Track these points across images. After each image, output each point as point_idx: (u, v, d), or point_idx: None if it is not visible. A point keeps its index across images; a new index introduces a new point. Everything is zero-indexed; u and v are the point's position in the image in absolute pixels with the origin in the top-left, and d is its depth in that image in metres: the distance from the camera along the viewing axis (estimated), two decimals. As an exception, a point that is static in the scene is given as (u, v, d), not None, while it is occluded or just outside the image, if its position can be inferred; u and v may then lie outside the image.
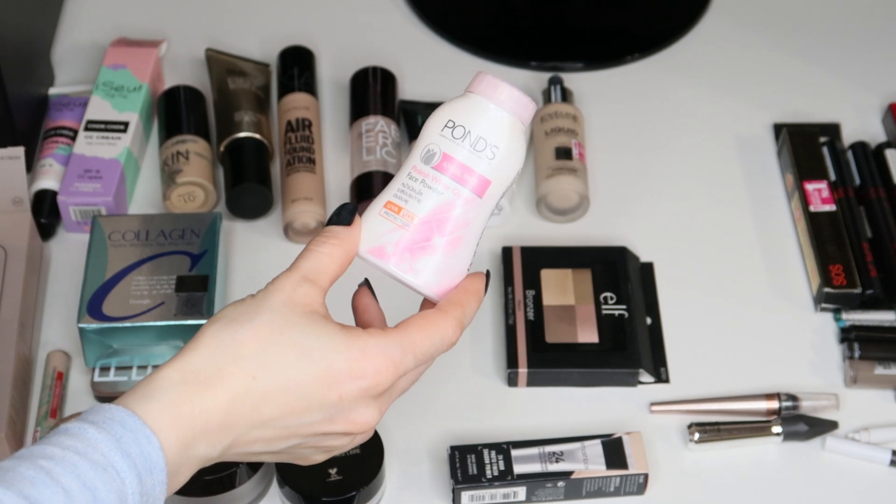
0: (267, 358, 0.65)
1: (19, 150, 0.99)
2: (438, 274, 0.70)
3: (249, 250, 1.03)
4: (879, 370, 0.94)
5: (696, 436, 0.90)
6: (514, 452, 0.88)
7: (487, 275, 0.73)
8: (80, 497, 0.59)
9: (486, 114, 0.70)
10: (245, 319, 0.66)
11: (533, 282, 0.98)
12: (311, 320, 0.67)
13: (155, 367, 0.92)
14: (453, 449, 0.88)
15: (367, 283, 0.73)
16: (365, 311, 0.72)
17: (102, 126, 1.06)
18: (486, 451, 0.88)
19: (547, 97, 1.10)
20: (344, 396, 0.67)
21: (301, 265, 0.69)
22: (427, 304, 0.72)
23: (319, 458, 0.71)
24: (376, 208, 0.71)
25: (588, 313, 0.97)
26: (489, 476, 0.87)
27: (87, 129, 1.06)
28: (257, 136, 1.06)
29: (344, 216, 0.70)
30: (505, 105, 0.70)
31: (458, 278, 0.71)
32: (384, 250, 0.70)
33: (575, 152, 1.05)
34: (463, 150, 0.70)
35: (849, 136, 1.11)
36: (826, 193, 1.03)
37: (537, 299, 0.98)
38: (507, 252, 1.01)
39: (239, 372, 0.65)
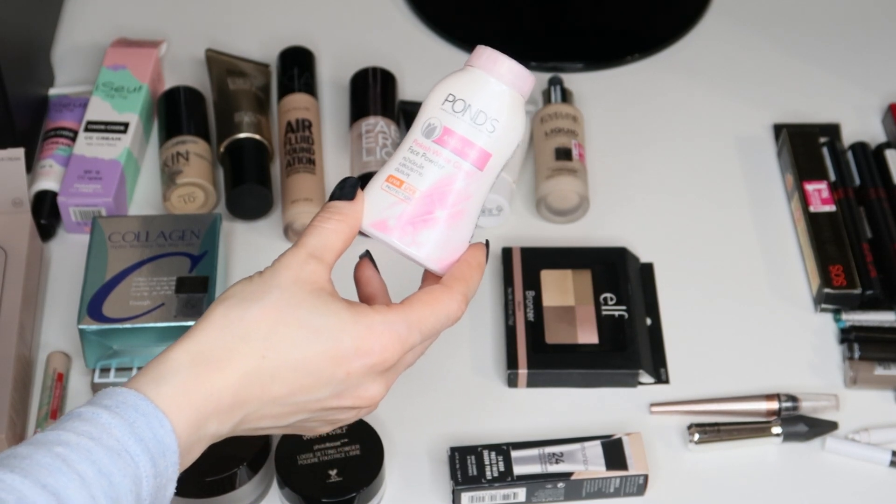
0: (276, 337, 0.66)
1: (19, 152, 0.99)
2: (440, 247, 0.71)
3: (249, 251, 1.03)
4: (879, 371, 0.94)
5: (696, 436, 0.90)
6: (514, 453, 0.88)
7: (487, 245, 0.73)
8: (96, 483, 0.60)
9: (486, 87, 0.71)
10: (254, 298, 0.67)
11: (533, 282, 0.99)
12: (318, 298, 0.67)
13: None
14: (453, 450, 0.88)
15: (368, 254, 0.74)
16: (367, 283, 0.73)
17: (102, 127, 1.06)
18: (486, 452, 0.88)
19: (547, 97, 1.10)
20: (351, 373, 0.67)
21: (307, 242, 0.69)
22: (429, 276, 0.73)
23: (325, 429, 0.72)
24: (378, 182, 0.72)
25: (588, 314, 0.97)
26: (489, 477, 0.87)
27: (87, 129, 1.06)
28: (257, 136, 1.06)
29: (347, 191, 0.71)
30: (505, 78, 0.71)
31: (459, 251, 0.72)
32: (387, 224, 0.71)
33: (575, 153, 1.05)
34: (463, 124, 0.70)
35: (849, 137, 1.11)
36: (826, 194, 1.03)
37: (537, 300, 0.98)
38: (506, 253, 1.01)
39: (248, 351, 0.66)
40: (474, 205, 0.72)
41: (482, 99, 0.71)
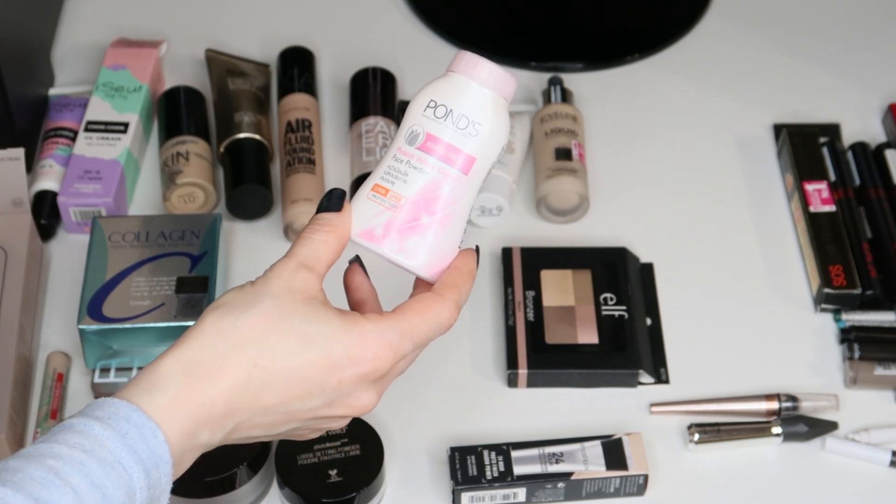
0: (268, 346, 0.66)
1: (19, 152, 0.99)
2: (430, 253, 0.71)
3: (249, 251, 1.03)
4: (879, 371, 0.94)
5: (696, 436, 0.90)
6: (514, 453, 0.88)
7: (477, 250, 0.73)
8: (89, 496, 0.60)
9: (467, 92, 0.71)
10: (246, 307, 0.67)
11: (533, 282, 0.99)
12: (310, 307, 0.67)
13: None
14: (453, 450, 0.88)
15: (358, 260, 0.74)
16: (357, 289, 0.73)
17: (102, 127, 1.06)
18: (486, 452, 0.88)
19: (547, 98, 1.10)
20: (343, 382, 0.67)
21: (298, 252, 0.69)
22: (421, 282, 0.73)
23: (315, 436, 0.72)
24: (364, 192, 0.72)
25: (588, 314, 0.97)
26: (489, 477, 0.87)
27: (87, 129, 1.06)
28: (257, 136, 1.06)
29: (334, 202, 0.71)
30: (486, 82, 0.71)
31: (449, 257, 0.72)
32: (374, 233, 0.71)
33: (575, 153, 1.05)
34: (446, 130, 0.70)
35: (849, 137, 1.11)
36: (826, 194, 1.03)
37: (537, 300, 0.98)
38: (507, 253, 1.01)
39: (241, 360, 0.66)
40: (461, 210, 0.72)
41: (464, 104, 0.71)
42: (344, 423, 0.71)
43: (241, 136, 1.06)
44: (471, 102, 0.71)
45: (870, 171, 1.06)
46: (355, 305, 0.73)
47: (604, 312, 0.97)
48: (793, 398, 0.93)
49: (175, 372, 0.65)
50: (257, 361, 0.66)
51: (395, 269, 0.72)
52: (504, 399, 0.94)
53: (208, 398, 0.65)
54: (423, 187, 0.70)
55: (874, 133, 1.12)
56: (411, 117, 0.72)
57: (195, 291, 0.93)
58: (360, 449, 0.86)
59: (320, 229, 0.70)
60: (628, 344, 0.95)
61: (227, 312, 0.67)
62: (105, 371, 0.93)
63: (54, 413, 0.91)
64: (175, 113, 1.08)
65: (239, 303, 0.67)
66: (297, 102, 1.09)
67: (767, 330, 0.99)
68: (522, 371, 0.94)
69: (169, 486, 0.64)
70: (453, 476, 0.87)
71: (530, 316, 0.97)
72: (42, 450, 0.61)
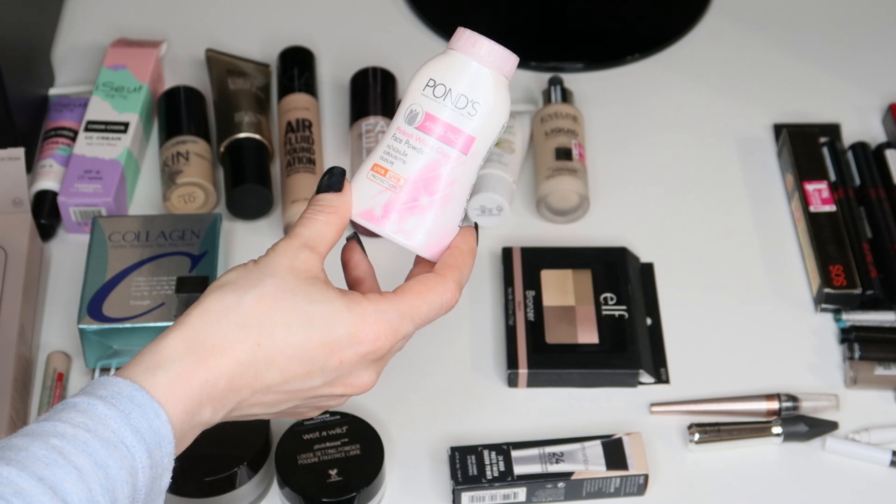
0: (271, 325, 0.66)
1: (19, 151, 0.99)
2: (430, 233, 0.71)
3: (250, 251, 1.03)
4: (879, 371, 0.94)
5: (696, 436, 0.90)
6: (515, 453, 0.88)
7: (476, 228, 0.73)
8: (93, 475, 0.60)
9: (467, 70, 0.70)
10: (249, 286, 0.67)
11: (533, 282, 0.99)
12: (313, 286, 0.68)
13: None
14: (453, 450, 0.88)
15: (356, 237, 0.74)
16: (355, 266, 0.73)
17: (102, 127, 1.06)
18: (486, 452, 0.88)
19: (547, 97, 1.10)
20: (344, 361, 0.68)
21: (300, 232, 0.70)
22: (421, 261, 0.73)
23: (314, 414, 0.73)
24: (364, 171, 0.72)
25: (588, 314, 0.97)
26: (489, 477, 0.87)
27: (87, 129, 1.06)
28: (257, 136, 1.06)
29: (335, 180, 0.71)
30: (485, 60, 0.70)
31: (449, 236, 0.72)
32: (373, 213, 0.71)
33: (575, 153, 1.05)
34: (445, 109, 0.70)
35: (849, 137, 1.11)
36: (826, 194, 1.03)
37: (537, 300, 0.98)
38: (507, 252, 1.01)
39: (244, 339, 0.66)
40: (461, 189, 0.71)
41: (463, 82, 0.70)
42: (343, 401, 0.71)
43: (242, 135, 1.06)
44: (470, 81, 0.70)
45: (870, 171, 1.06)
46: (353, 283, 0.73)
47: (604, 312, 0.97)
48: (793, 398, 0.93)
49: (178, 351, 0.65)
50: (260, 340, 0.66)
51: (393, 247, 0.72)
52: (504, 399, 0.94)
53: (211, 377, 0.65)
54: (423, 167, 0.70)
55: (874, 133, 1.12)
56: (410, 96, 0.71)
57: (195, 291, 0.93)
58: (360, 449, 0.86)
59: (322, 210, 0.70)
60: (628, 344, 0.95)
61: (231, 291, 0.67)
62: (105, 371, 0.93)
63: (54, 413, 0.91)
64: (175, 113, 1.08)
65: (242, 282, 0.67)
66: (297, 102, 1.09)
67: (767, 330, 0.99)
68: (522, 371, 0.94)
69: (171, 465, 0.64)
70: (453, 476, 0.87)
71: (530, 316, 0.97)
72: (45, 428, 0.61)
